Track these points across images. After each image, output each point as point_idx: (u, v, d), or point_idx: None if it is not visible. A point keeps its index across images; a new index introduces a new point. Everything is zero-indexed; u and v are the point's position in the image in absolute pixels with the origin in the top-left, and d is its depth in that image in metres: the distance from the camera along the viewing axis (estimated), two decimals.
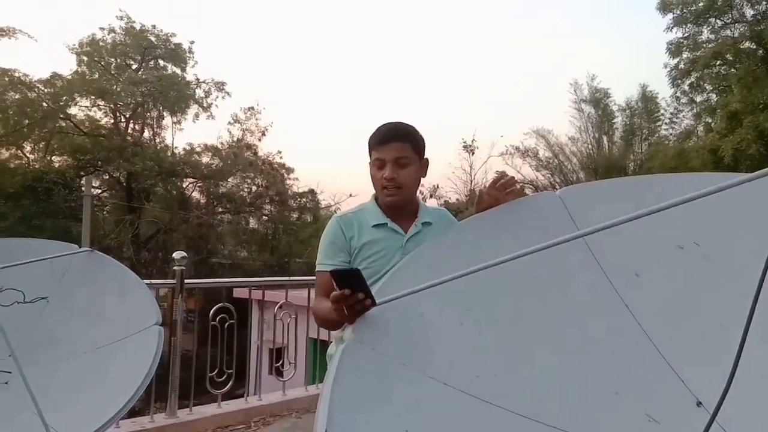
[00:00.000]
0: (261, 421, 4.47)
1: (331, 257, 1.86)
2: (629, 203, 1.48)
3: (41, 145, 20.48)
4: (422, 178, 1.95)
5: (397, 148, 1.83)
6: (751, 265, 1.08)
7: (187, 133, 33.26)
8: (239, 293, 6.48)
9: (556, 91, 40.92)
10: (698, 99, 19.09)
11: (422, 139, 1.91)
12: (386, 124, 1.90)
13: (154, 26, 21.32)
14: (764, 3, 15.32)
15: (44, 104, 19.16)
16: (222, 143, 21.66)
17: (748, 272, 1.09)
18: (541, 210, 1.84)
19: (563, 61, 37.00)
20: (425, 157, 1.93)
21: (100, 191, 20.66)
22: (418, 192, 2.03)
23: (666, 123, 23.63)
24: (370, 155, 1.89)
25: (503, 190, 1.88)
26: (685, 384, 1.47)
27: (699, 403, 1.42)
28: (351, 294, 1.39)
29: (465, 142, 22.67)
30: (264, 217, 21.82)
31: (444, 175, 28.65)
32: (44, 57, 38.48)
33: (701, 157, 16.19)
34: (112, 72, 21.14)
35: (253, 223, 21.97)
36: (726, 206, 1.65)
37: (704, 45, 16.74)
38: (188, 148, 21.53)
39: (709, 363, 1.40)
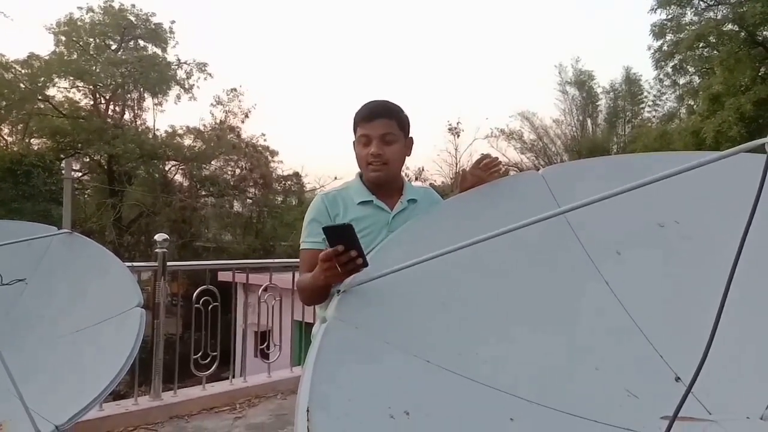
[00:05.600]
0: (246, 403, 4.49)
1: (315, 235, 1.83)
2: (610, 181, 1.49)
3: (19, 128, 20.07)
4: (407, 157, 1.95)
5: (384, 124, 1.82)
6: (730, 242, 1.09)
7: (168, 115, 32.89)
8: (224, 277, 6.44)
9: (541, 73, 40.91)
10: (681, 81, 19.19)
11: (407, 118, 1.91)
12: (372, 101, 1.89)
13: (133, 5, 20.91)
14: None
15: (22, 85, 18.75)
16: (204, 125, 21.43)
17: (726, 250, 1.10)
18: (523, 189, 1.84)
19: (548, 43, 36.98)
20: (410, 136, 1.92)
21: (80, 174, 20.33)
22: (403, 173, 2.02)
23: (649, 105, 23.85)
24: (355, 132, 1.87)
25: (487, 170, 1.89)
26: (664, 360, 1.49)
27: (677, 378, 1.44)
28: (344, 251, 1.39)
29: (450, 125, 22.63)
30: (248, 200, 21.66)
31: (429, 158, 28.66)
32: (21, 37, 37.59)
33: (683, 139, 16.32)
34: (91, 52, 20.70)
35: (237, 206, 21.79)
36: (705, 184, 1.67)
37: (687, 27, 16.76)
38: (170, 130, 21.28)
39: (688, 339, 1.42)
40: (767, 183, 0.94)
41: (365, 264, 1.43)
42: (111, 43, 21.39)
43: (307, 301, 1.82)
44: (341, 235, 1.41)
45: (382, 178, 1.86)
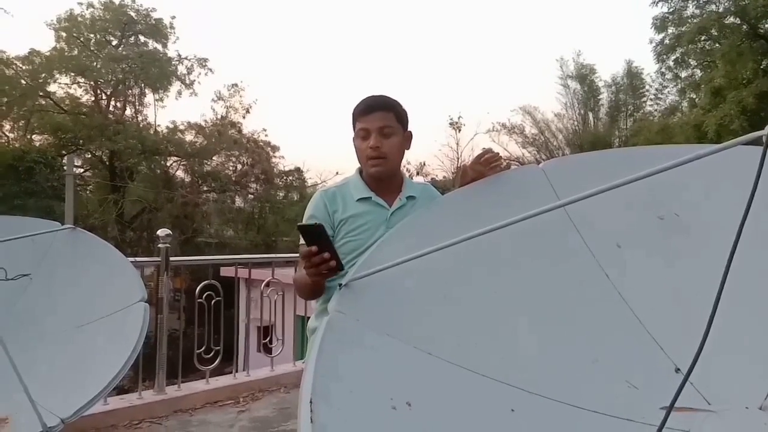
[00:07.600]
0: (249, 396, 4.51)
1: None
2: (610, 174, 1.49)
3: (21, 124, 20.09)
4: (406, 151, 1.95)
5: (382, 117, 1.82)
6: (729, 234, 1.10)
7: (169, 111, 32.87)
8: (226, 272, 6.46)
9: (542, 67, 40.78)
10: (683, 74, 19.14)
11: (405, 112, 1.91)
12: (369, 96, 1.89)
13: (133, 1, 20.92)
14: None
15: (23, 82, 18.77)
16: (206, 121, 21.47)
17: (726, 241, 1.11)
18: (523, 182, 1.85)
19: (549, 37, 36.86)
20: (409, 129, 1.93)
21: (82, 170, 20.34)
22: (404, 169, 2.03)
23: (651, 99, 23.79)
24: (354, 127, 1.88)
25: (487, 164, 1.89)
26: (664, 351, 1.50)
27: (677, 370, 1.45)
28: (317, 252, 1.41)
29: (452, 120, 22.62)
30: (250, 195, 21.70)
31: (431, 153, 28.67)
32: (21, 33, 37.54)
33: (685, 133, 16.29)
34: (92, 48, 20.70)
35: (239, 201, 21.85)
36: (705, 177, 1.67)
37: (689, 20, 16.70)
38: (171, 126, 21.31)
39: (688, 331, 1.43)
40: (764, 173, 0.95)
41: (340, 267, 1.44)
42: (111, 38, 21.38)
43: (303, 296, 1.85)
44: (314, 235, 1.42)
45: (383, 173, 1.85)
